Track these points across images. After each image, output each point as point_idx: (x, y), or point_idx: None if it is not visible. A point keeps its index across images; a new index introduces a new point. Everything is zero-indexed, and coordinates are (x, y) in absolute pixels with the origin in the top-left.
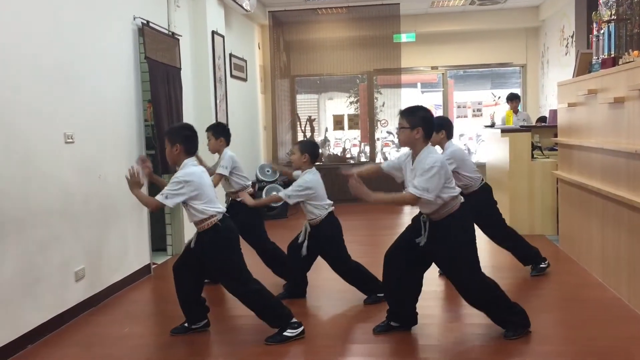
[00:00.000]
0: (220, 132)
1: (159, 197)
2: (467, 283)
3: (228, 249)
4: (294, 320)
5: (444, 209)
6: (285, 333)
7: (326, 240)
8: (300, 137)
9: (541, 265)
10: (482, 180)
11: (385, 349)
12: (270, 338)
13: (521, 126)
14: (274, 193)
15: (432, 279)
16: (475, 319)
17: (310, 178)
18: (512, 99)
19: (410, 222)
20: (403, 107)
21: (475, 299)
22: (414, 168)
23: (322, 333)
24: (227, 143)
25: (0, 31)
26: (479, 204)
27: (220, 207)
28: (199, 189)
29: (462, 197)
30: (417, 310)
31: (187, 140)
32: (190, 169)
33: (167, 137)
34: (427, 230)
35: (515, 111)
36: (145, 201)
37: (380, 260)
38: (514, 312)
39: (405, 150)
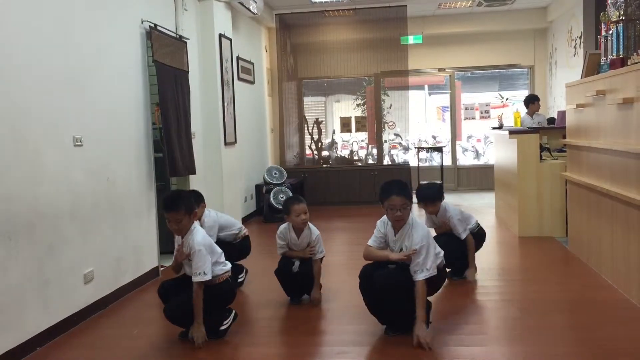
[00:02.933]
0: (200, 198)
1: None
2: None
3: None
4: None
5: None
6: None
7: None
8: (307, 140)
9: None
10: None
11: (380, 348)
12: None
13: (529, 128)
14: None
15: None
16: (475, 320)
17: None
18: (532, 101)
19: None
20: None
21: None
22: (397, 240)
23: (329, 332)
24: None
25: (10, 35)
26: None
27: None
28: None
29: None
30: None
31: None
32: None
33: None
34: None
35: (533, 113)
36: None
37: None
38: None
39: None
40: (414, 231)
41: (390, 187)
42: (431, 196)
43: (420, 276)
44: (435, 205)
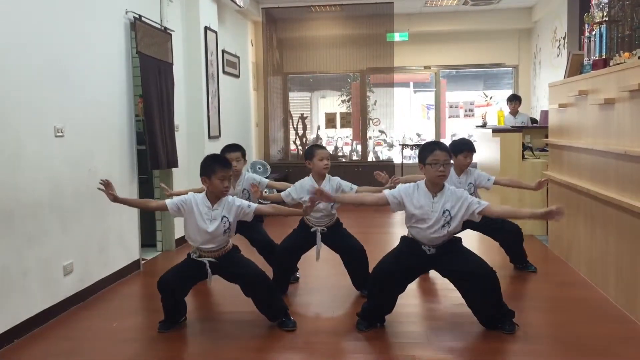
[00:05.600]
0: (243, 153)
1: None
2: (484, 269)
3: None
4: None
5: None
6: (292, 318)
7: (345, 232)
8: (292, 135)
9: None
10: None
11: (374, 345)
12: (286, 324)
13: (512, 126)
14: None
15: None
16: (462, 318)
17: None
18: (512, 100)
19: (397, 249)
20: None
21: (494, 285)
22: (436, 202)
23: (313, 330)
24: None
25: None
26: None
27: None
28: None
29: None
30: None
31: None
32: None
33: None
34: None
35: (515, 113)
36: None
37: (373, 257)
38: (505, 306)
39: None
40: (453, 189)
41: (433, 144)
42: (470, 144)
43: (483, 204)
44: (471, 156)
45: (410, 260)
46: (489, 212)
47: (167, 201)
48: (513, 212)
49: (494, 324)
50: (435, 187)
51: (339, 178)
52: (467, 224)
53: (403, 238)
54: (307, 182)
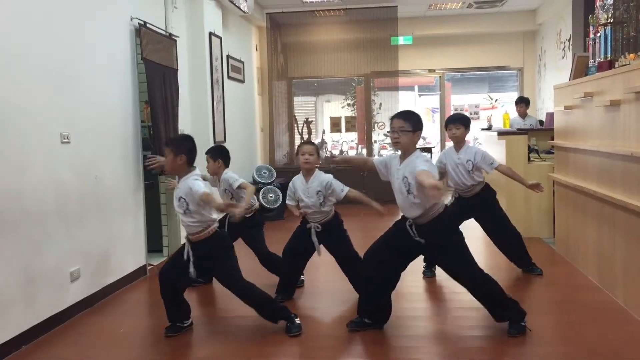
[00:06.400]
0: (217, 154)
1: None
2: (470, 272)
3: (228, 252)
4: (291, 313)
5: (429, 212)
6: (297, 320)
7: (340, 235)
8: (297, 139)
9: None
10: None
11: (377, 349)
12: (290, 330)
13: (518, 129)
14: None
15: (418, 280)
16: (468, 321)
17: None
18: (520, 102)
19: (392, 227)
20: (399, 111)
21: (480, 289)
22: (400, 169)
23: (317, 334)
24: (226, 165)
25: None
26: (483, 203)
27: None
28: None
29: (444, 201)
30: (391, 310)
31: (190, 152)
32: (199, 182)
33: (171, 147)
34: (415, 233)
35: (524, 115)
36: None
37: None
38: (512, 306)
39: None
40: (418, 157)
41: (395, 114)
42: (455, 116)
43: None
44: (457, 129)
45: (396, 240)
46: (422, 174)
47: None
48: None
49: (502, 317)
50: (402, 155)
51: (332, 177)
52: (470, 214)
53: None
54: (297, 177)
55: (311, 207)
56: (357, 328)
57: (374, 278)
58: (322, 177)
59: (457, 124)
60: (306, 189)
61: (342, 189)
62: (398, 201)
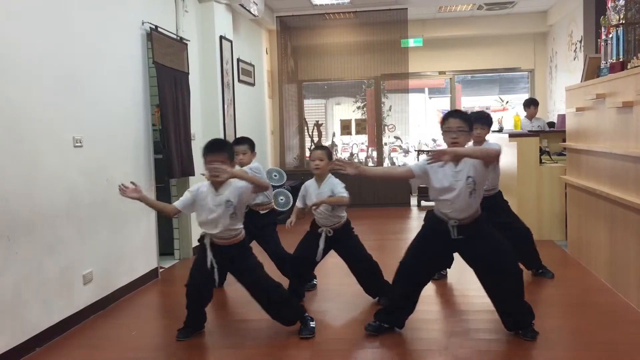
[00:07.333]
0: (254, 146)
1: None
2: (510, 262)
3: (252, 251)
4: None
5: (477, 212)
6: (311, 324)
7: (354, 239)
8: (307, 142)
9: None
10: None
11: (392, 354)
12: (302, 331)
13: (529, 131)
14: (342, 195)
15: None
16: (480, 324)
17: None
18: (529, 104)
19: (422, 231)
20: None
21: (518, 286)
22: (461, 170)
23: (328, 337)
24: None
25: (9, 35)
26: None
27: None
28: None
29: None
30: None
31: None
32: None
33: (228, 153)
34: (457, 234)
35: (532, 117)
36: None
37: (388, 263)
38: (527, 310)
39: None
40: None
41: (449, 113)
42: (479, 114)
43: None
44: (489, 129)
45: (435, 246)
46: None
47: (175, 203)
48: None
49: (515, 326)
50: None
51: (338, 181)
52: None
53: (429, 216)
54: (310, 182)
55: (320, 213)
56: (376, 333)
57: (411, 288)
58: (332, 181)
59: (480, 124)
60: (318, 194)
61: (342, 194)
62: (454, 205)
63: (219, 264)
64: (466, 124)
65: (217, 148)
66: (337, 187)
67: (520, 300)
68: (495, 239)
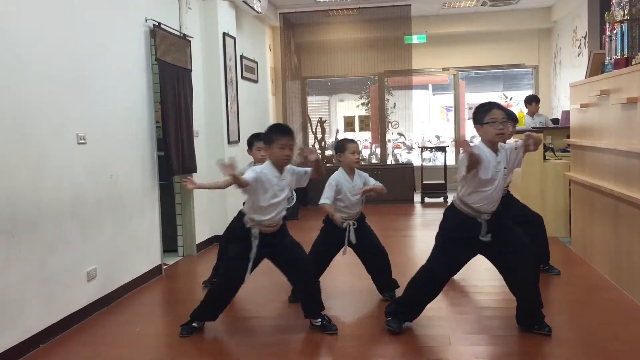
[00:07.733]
0: None
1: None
2: (534, 250)
3: None
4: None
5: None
6: (326, 316)
7: (369, 228)
8: (311, 139)
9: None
10: None
11: (398, 349)
12: (326, 327)
13: (533, 127)
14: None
15: None
16: (490, 320)
17: None
18: (530, 101)
19: (447, 232)
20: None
21: (536, 271)
22: (500, 161)
23: (339, 334)
24: None
25: (14, 33)
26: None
27: None
28: None
29: None
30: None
31: None
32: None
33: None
34: (488, 226)
35: (533, 114)
36: None
37: (394, 260)
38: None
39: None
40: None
41: (489, 103)
42: (511, 112)
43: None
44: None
45: (465, 248)
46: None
47: (246, 176)
48: None
49: (530, 320)
50: (494, 146)
51: (366, 174)
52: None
53: (451, 214)
54: (340, 176)
55: (353, 207)
56: (399, 330)
57: (438, 290)
58: (361, 174)
59: (512, 120)
60: (352, 187)
61: (375, 183)
62: (490, 197)
63: (261, 254)
64: (506, 115)
65: (289, 132)
66: (369, 178)
67: (538, 287)
68: (512, 226)
